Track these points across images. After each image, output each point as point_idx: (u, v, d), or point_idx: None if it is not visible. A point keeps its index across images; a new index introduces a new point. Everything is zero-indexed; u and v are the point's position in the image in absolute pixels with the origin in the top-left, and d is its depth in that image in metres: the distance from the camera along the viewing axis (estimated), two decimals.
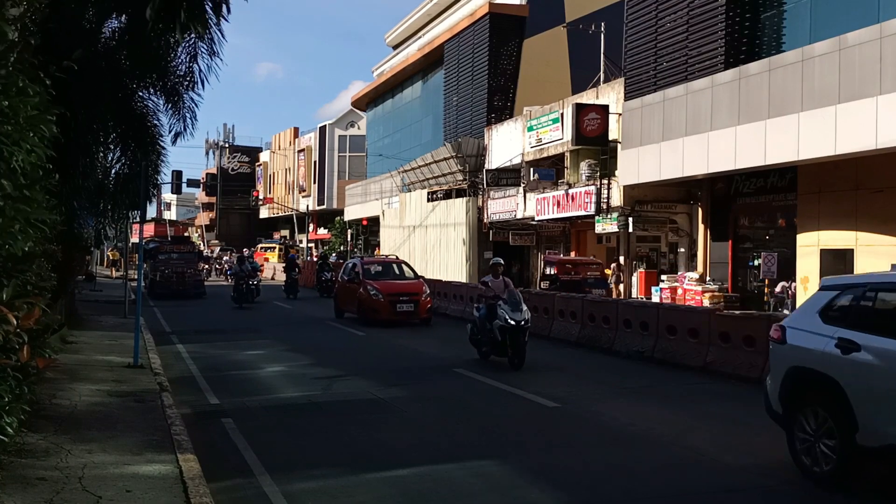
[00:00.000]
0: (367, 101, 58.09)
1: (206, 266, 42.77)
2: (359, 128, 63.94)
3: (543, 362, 14.11)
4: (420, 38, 52.46)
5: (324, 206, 63.45)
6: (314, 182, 65.89)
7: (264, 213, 76.67)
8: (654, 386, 11.74)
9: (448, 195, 38.38)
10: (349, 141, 64.43)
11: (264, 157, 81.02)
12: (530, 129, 30.95)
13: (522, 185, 30.98)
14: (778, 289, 20.43)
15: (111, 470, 6.48)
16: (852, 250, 18.73)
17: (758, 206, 22.57)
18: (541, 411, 9.87)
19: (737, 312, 14.48)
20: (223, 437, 8.40)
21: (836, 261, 19.27)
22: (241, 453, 7.68)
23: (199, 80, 12.41)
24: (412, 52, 50.44)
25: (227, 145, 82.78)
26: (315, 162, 65.83)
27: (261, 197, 75.84)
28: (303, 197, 67.73)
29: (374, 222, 51.08)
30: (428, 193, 40.03)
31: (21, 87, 4.79)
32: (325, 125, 65.64)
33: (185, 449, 7.19)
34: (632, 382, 12.00)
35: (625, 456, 7.69)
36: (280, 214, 73.18)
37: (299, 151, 69.40)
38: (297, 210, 66.25)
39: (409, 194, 43.15)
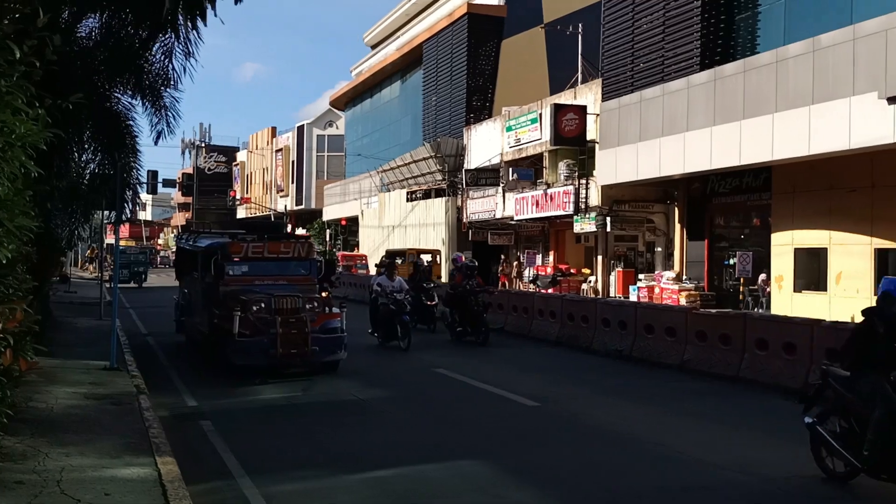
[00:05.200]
0: (345, 101, 57.91)
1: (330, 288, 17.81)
2: (337, 127, 63.70)
3: (523, 361, 14.18)
4: (399, 37, 52.41)
5: (302, 206, 63.14)
6: (292, 182, 65.55)
7: (241, 213, 76.17)
8: (633, 384, 11.84)
9: (427, 195, 38.38)
10: (327, 141, 64.13)
11: (241, 156, 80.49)
12: (509, 129, 31.04)
13: (501, 184, 31.07)
14: (760, 280, 20.71)
15: (89, 473, 6.42)
16: (826, 249, 18.99)
17: (733, 206, 22.82)
18: (521, 411, 9.91)
19: (713, 311, 14.65)
20: (202, 439, 8.34)
21: (811, 259, 19.55)
22: (220, 455, 7.63)
23: (172, 78, 12.38)
24: (391, 51, 50.38)
25: (203, 145, 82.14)
26: (293, 162, 65.48)
27: (238, 197, 75.30)
28: (281, 197, 67.36)
29: (352, 222, 50.94)
30: (407, 193, 40.01)
31: (17, 106, 4.83)
32: (303, 125, 65.31)
33: (163, 451, 7.14)
34: (611, 381, 12.09)
35: (605, 454, 7.75)
36: (258, 214, 72.69)
37: (277, 151, 69.00)
38: (275, 210, 65.90)
39: (389, 194, 43.10)
